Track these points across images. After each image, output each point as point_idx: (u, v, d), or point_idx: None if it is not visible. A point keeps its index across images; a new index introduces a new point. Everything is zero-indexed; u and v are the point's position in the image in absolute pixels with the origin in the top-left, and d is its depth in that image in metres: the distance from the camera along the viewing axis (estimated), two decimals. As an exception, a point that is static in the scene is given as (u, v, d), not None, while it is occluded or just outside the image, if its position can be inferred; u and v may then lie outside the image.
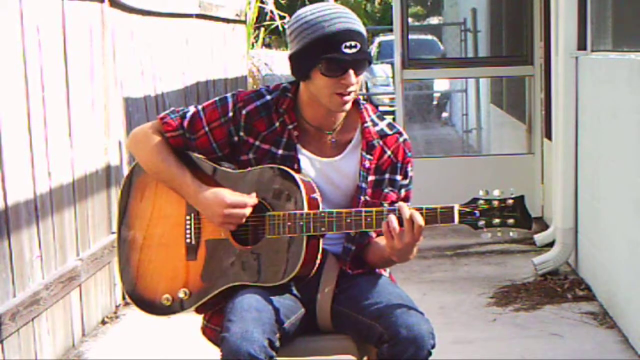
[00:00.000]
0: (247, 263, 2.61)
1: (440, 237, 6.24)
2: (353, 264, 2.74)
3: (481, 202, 2.49)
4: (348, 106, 2.63)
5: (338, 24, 2.54)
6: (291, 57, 2.62)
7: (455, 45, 12.10)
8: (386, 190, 2.71)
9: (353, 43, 2.53)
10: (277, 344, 2.49)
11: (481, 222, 2.49)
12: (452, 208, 2.49)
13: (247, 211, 2.60)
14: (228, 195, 2.61)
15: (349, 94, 2.58)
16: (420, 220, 2.46)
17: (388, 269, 2.84)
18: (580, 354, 4.01)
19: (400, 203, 2.56)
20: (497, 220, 2.49)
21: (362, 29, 2.58)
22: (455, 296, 4.93)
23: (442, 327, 4.08)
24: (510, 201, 2.49)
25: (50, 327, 4.04)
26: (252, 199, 2.61)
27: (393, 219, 2.48)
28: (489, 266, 5.55)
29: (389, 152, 2.73)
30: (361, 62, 2.57)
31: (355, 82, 2.58)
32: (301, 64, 2.59)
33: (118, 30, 5.06)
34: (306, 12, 2.59)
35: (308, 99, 2.67)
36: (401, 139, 2.75)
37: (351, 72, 2.56)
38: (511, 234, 2.51)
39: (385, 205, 2.65)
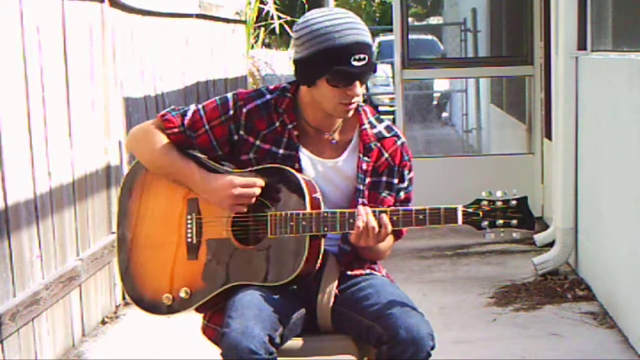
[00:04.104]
0: (249, 263, 2.61)
1: (440, 237, 6.23)
2: (350, 265, 2.74)
3: (484, 203, 2.52)
4: (351, 113, 2.65)
5: (349, 35, 2.54)
6: (297, 62, 2.61)
7: (455, 45, 12.09)
8: (384, 194, 2.72)
9: (362, 56, 2.54)
10: (278, 340, 2.49)
11: (484, 223, 2.51)
12: (455, 209, 2.50)
13: (257, 191, 2.60)
14: (236, 176, 2.62)
15: (353, 103, 2.60)
16: (389, 227, 2.53)
17: (384, 270, 2.84)
18: (580, 354, 4.01)
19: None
20: (500, 221, 2.52)
21: (370, 39, 2.60)
22: (455, 296, 4.92)
23: (442, 328, 4.09)
24: (514, 202, 2.52)
25: (50, 327, 4.03)
26: (259, 180, 2.61)
27: (372, 220, 2.52)
28: (489, 266, 5.55)
29: (386, 155, 2.73)
30: (368, 73, 2.59)
31: (361, 92, 2.60)
32: (308, 71, 2.59)
33: (118, 30, 5.06)
34: (316, 18, 2.58)
35: (309, 101, 2.67)
36: (399, 142, 2.76)
37: (357, 83, 2.58)
38: (514, 234, 2.54)
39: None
